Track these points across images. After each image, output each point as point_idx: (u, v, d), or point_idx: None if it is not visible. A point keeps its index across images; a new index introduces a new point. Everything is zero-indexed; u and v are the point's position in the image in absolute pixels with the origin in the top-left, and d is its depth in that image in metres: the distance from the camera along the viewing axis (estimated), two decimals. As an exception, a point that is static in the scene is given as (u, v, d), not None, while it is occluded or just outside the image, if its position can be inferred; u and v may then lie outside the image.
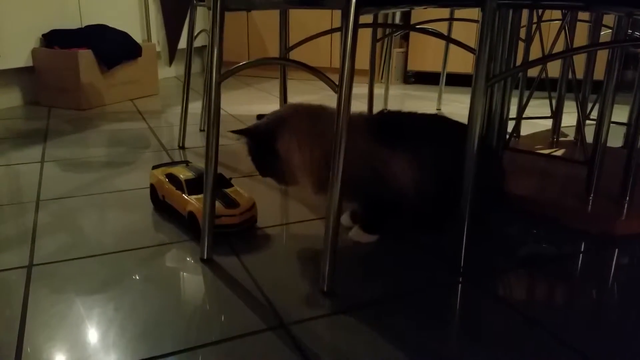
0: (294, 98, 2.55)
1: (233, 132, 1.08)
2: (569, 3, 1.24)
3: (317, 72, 0.90)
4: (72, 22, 2.50)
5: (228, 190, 1.17)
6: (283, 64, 1.51)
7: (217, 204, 1.08)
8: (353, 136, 1.02)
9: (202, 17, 3.21)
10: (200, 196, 1.11)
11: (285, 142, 1.04)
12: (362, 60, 1.82)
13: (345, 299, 0.89)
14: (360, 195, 1.07)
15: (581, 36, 1.62)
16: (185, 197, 1.14)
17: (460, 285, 0.96)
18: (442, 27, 2.21)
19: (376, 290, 0.93)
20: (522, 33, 1.62)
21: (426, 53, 3.13)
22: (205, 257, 1.02)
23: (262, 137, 1.06)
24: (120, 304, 0.87)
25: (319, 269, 0.93)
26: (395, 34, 2.78)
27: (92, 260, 1.02)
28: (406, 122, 1.11)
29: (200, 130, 1.98)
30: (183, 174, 1.18)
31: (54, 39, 2.36)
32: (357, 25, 0.85)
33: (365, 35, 1.78)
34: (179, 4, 0.83)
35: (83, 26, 2.53)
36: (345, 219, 1.19)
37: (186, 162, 1.29)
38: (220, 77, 0.95)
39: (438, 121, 1.12)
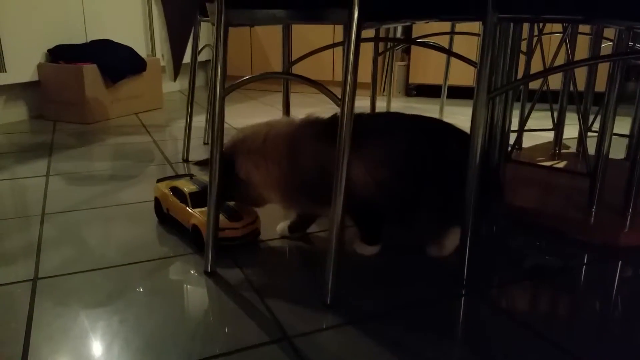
0: (297, 111, 2.56)
1: (197, 164, 1.14)
2: (570, 17, 1.25)
3: (320, 86, 0.90)
4: (77, 37, 2.52)
5: (231, 203, 1.17)
6: (286, 79, 1.52)
7: (221, 216, 1.09)
8: (307, 141, 1.05)
9: (206, 32, 3.24)
10: (204, 209, 1.11)
11: (242, 165, 1.08)
12: (364, 74, 1.84)
13: (349, 311, 0.90)
14: (312, 205, 1.10)
15: (582, 48, 1.63)
16: (189, 210, 1.14)
17: (463, 297, 0.96)
18: (443, 41, 2.23)
19: (379, 302, 0.93)
20: (523, 46, 1.63)
21: (428, 66, 3.15)
22: (209, 270, 1.02)
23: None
24: (124, 317, 0.87)
25: (322, 282, 0.93)
26: (396, 48, 2.81)
27: (97, 273, 1.02)
28: (367, 122, 1.08)
29: (204, 144, 1.99)
30: (187, 187, 1.19)
31: (59, 54, 2.39)
32: (359, 40, 0.86)
33: (367, 49, 1.80)
34: (184, 20, 0.84)
35: (88, 41, 2.56)
36: (282, 227, 1.20)
37: (190, 176, 1.30)
38: (224, 91, 0.96)
39: (407, 121, 1.09)
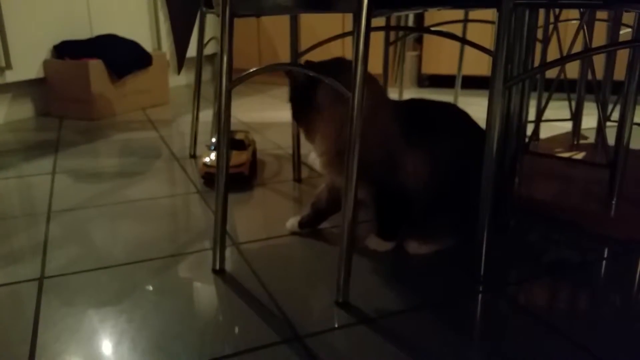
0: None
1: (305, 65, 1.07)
2: (587, 2, 1.20)
3: (329, 77, 0.87)
4: (82, 33, 2.50)
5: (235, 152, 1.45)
6: (294, 70, 1.49)
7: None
8: (380, 118, 1.01)
9: (211, 25, 3.20)
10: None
11: (324, 91, 1.02)
12: (375, 64, 1.80)
13: (361, 310, 0.87)
14: (376, 183, 1.03)
15: (600, 35, 1.58)
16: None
17: (480, 294, 0.93)
18: (456, 29, 2.18)
19: (392, 301, 0.90)
20: (539, 34, 1.59)
21: (441, 56, 3.10)
22: (217, 268, 1.00)
23: (305, 84, 1.04)
24: (132, 317, 0.85)
25: (333, 280, 0.90)
26: (408, 37, 2.76)
27: (104, 272, 1.00)
28: (433, 111, 1.07)
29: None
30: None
31: (65, 50, 2.37)
32: (369, 29, 0.82)
33: (377, 38, 1.76)
34: (187, 11, 0.81)
35: (93, 36, 2.53)
36: (292, 223, 1.17)
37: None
38: (231, 84, 0.93)
39: (459, 114, 1.09)
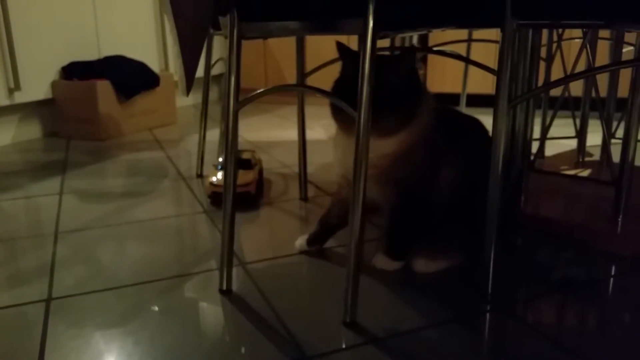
0: (312, 123, 2.54)
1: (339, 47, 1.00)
2: (590, 22, 1.21)
3: (334, 98, 0.88)
4: (90, 54, 2.54)
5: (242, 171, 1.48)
6: (300, 91, 1.51)
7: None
8: (428, 125, 0.99)
9: (219, 46, 3.24)
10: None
11: (416, 75, 1.00)
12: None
13: (368, 331, 0.86)
14: (408, 193, 1.00)
15: (603, 54, 1.59)
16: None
17: (488, 313, 0.92)
18: (460, 48, 2.19)
19: (401, 320, 0.89)
20: (543, 52, 1.60)
21: (445, 74, 3.12)
22: (224, 289, 1.00)
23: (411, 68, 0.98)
24: (139, 338, 0.85)
25: (341, 299, 0.90)
26: (411, 57, 2.77)
27: (111, 293, 1.00)
28: (461, 121, 1.08)
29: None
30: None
31: (73, 71, 2.40)
32: (374, 50, 0.83)
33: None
34: (196, 33, 0.82)
35: (101, 57, 2.57)
36: (300, 242, 1.17)
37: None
38: (238, 105, 0.94)
39: (481, 128, 1.09)
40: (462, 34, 2.16)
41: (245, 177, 1.48)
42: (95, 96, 2.30)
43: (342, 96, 0.88)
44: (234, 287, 1.01)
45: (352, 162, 0.86)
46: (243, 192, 1.46)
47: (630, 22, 0.98)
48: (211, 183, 1.47)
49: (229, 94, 0.93)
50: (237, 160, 1.50)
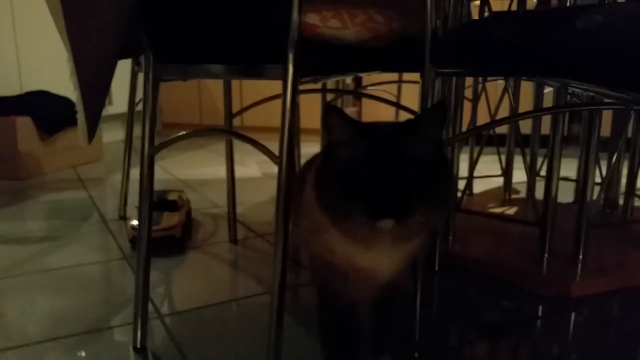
0: (248, 160, 2.50)
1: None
2: (505, 74, 1.25)
3: (255, 143, 0.85)
4: (11, 89, 2.41)
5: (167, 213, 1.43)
6: (222, 135, 1.47)
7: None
8: None
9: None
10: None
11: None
12: (315, 120, 1.81)
13: (292, 388, 0.82)
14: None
15: (527, 92, 1.64)
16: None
17: (416, 363, 0.90)
18: (393, 88, 2.23)
19: (326, 375, 0.85)
20: (469, 93, 1.63)
21: (379, 111, 3.15)
22: (138, 346, 0.92)
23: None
24: (37, 408, 0.77)
25: (264, 354, 0.85)
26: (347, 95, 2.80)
27: (13, 352, 0.92)
28: None
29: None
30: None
31: (-9, 107, 2.27)
32: (295, 98, 0.81)
33: (318, 96, 1.77)
34: (101, 77, 0.77)
35: (23, 92, 2.45)
36: None
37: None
38: (153, 149, 0.89)
39: None
40: (394, 75, 2.20)
41: (170, 219, 1.42)
42: (14, 133, 2.17)
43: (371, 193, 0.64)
44: (150, 343, 0.94)
45: (391, 269, 0.74)
46: (167, 237, 1.39)
47: (538, 76, 1.01)
48: (132, 227, 1.40)
49: (144, 137, 0.88)
50: (162, 201, 1.46)
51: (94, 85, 0.73)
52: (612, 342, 0.98)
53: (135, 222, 1.40)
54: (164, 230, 1.38)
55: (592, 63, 0.69)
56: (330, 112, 0.69)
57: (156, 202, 1.43)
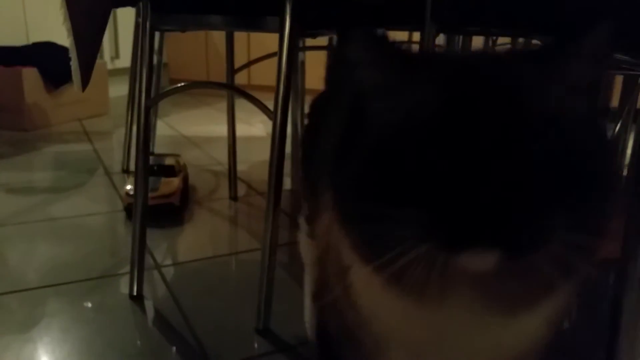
0: (253, 119, 2.50)
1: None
2: (500, 31, 1.22)
3: (251, 98, 0.85)
4: (18, 39, 2.40)
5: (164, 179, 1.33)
6: (223, 89, 1.47)
7: None
8: None
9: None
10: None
11: None
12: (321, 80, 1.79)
13: (280, 338, 0.84)
14: None
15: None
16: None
17: None
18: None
19: (315, 328, 0.87)
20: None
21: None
22: (134, 294, 0.95)
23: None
24: (37, 346, 0.80)
25: (254, 305, 0.87)
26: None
27: (14, 296, 0.95)
28: None
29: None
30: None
31: (-2, 57, 2.26)
32: (292, 51, 0.81)
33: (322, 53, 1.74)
34: (93, 24, 0.77)
35: (30, 43, 2.44)
36: None
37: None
38: (150, 101, 0.89)
39: None
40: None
41: (168, 186, 1.33)
42: (20, 84, 2.17)
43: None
44: (146, 292, 0.96)
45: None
46: (165, 204, 1.30)
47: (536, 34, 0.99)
48: (127, 194, 1.32)
49: (140, 89, 0.88)
50: (159, 167, 1.41)
51: (87, 32, 0.73)
52: None
53: (129, 187, 1.33)
54: (162, 198, 1.30)
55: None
56: (354, 36, 0.39)
57: (153, 167, 1.32)
